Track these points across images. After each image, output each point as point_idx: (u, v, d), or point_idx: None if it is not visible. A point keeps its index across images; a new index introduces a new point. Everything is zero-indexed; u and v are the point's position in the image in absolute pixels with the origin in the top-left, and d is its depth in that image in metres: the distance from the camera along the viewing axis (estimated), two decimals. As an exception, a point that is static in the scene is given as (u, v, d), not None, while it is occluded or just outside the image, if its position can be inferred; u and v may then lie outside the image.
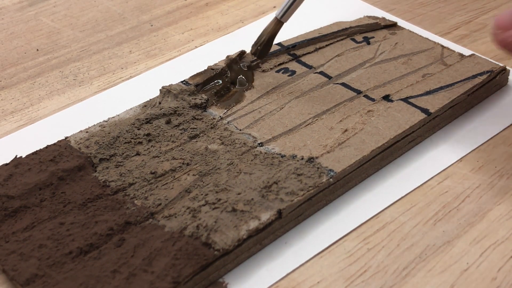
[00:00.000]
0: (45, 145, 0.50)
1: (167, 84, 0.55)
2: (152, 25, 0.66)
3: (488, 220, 0.46)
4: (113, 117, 0.53)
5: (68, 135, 0.51)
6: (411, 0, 0.69)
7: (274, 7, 0.69)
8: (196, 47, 0.63)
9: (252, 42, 0.60)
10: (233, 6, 0.69)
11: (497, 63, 0.57)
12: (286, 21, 0.55)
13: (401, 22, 0.65)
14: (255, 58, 0.57)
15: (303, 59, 0.59)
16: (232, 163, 0.48)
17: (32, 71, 0.60)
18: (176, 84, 0.55)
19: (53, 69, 0.61)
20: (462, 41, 0.63)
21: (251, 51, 0.56)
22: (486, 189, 0.48)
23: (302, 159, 0.48)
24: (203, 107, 0.54)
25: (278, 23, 0.55)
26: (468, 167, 0.50)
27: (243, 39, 0.64)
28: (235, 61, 0.57)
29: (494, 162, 0.50)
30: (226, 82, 0.56)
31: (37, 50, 0.63)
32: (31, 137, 0.53)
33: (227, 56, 0.58)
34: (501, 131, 0.53)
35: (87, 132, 0.51)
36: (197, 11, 0.68)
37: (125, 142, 0.50)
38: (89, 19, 0.67)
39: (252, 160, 0.48)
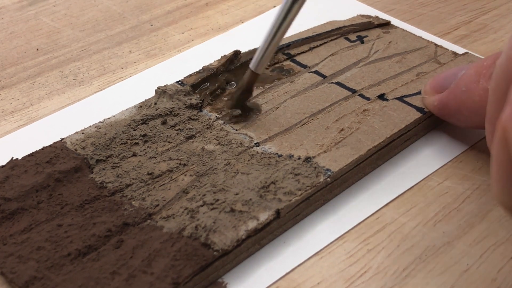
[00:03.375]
0: (43, 146, 0.48)
1: (163, 85, 0.53)
2: (152, 25, 0.64)
3: (488, 221, 0.44)
4: (108, 118, 0.50)
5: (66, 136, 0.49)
6: (411, 0, 0.66)
7: (274, 6, 0.66)
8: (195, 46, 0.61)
9: (250, 41, 0.57)
10: (233, 5, 0.67)
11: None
12: (260, 72, 0.50)
13: (394, 21, 0.62)
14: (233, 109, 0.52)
15: (297, 58, 0.57)
16: (229, 163, 0.46)
17: (32, 71, 0.58)
18: (172, 84, 0.53)
19: (53, 69, 0.58)
20: (462, 41, 0.60)
21: (228, 105, 0.52)
22: (486, 190, 0.46)
23: (299, 158, 0.46)
24: (199, 107, 0.51)
25: (253, 74, 0.50)
26: (468, 168, 0.48)
27: (241, 38, 0.62)
28: (230, 61, 0.55)
29: (494, 163, 0.50)
30: (221, 82, 0.54)
31: (37, 49, 0.61)
32: (30, 138, 0.51)
33: (222, 56, 0.56)
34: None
35: (83, 133, 0.49)
36: (197, 11, 0.66)
37: (121, 143, 0.48)
38: (89, 19, 0.65)
39: (249, 160, 0.47)
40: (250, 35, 0.62)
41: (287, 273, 0.42)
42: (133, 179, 0.46)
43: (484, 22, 0.63)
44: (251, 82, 0.51)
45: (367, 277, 0.41)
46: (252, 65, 0.50)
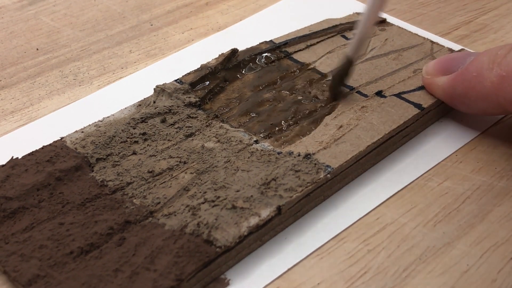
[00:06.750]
0: (43, 145, 0.48)
1: (161, 83, 0.53)
2: (152, 25, 0.64)
3: (488, 221, 0.44)
4: (108, 117, 0.50)
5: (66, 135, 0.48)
6: (411, 0, 0.66)
7: (274, 6, 0.66)
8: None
9: (248, 38, 0.58)
10: (233, 5, 0.66)
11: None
12: (356, 60, 0.51)
13: (394, 21, 0.62)
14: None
15: (295, 56, 0.57)
16: (229, 161, 0.46)
17: (32, 71, 0.58)
18: (170, 83, 0.52)
19: (53, 68, 0.58)
20: (462, 41, 0.60)
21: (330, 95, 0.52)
22: (486, 190, 0.46)
23: (299, 155, 0.46)
24: (198, 105, 0.51)
25: (349, 62, 0.51)
26: (468, 168, 0.48)
27: (239, 36, 0.61)
28: (228, 59, 0.55)
29: (494, 163, 0.48)
30: (219, 80, 0.54)
31: (37, 49, 0.60)
32: (29, 137, 0.50)
33: (220, 54, 0.56)
34: (498, 127, 0.51)
35: (82, 132, 0.48)
36: (197, 11, 0.65)
37: (121, 142, 0.48)
38: (89, 19, 0.64)
39: (249, 158, 0.46)
40: (247, 34, 0.62)
41: (287, 272, 0.41)
42: (133, 177, 0.45)
43: (484, 22, 0.63)
44: (346, 69, 0.52)
45: (367, 278, 0.41)
46: (349, 53, 0.51)
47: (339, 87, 0.52)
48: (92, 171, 0.46)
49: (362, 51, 0.51)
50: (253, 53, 0.57)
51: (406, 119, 0.49)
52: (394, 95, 0.52)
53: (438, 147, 0.50)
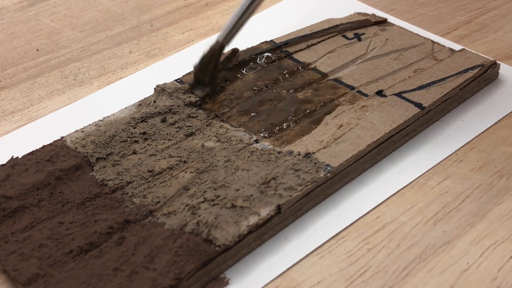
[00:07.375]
0: (43, 145, 0.48)
1: (162, 83, 0.53)
2: (152, 25, 0.64)
3: (488, 220, 0.44)
4: (108, 117, 0.50)
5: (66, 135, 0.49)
6: (411, 0, 0.66)
7: (273, 6, 0.67)
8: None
9: (249, 38, 0.58)
10: (233, 6, 0.66)
11: (486, 57, 0.55)
12: (228, 44, 0.51)
13: (394, 21, 0.62)
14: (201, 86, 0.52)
15: (295, 56, 0.57)
16: (229, 160, 0.46)
17: (32, 71, 0.58)
18: (171, 82, 0.53)
19: (53, 69, 0.58)
20: (462, 41, 0.60)
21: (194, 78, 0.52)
22: (486, 189, 0.46)
23: (299, 154, 0.46)
24: (198, 105, 0.52)
25: (221, 47, 0.51)
26: (468, 167, 0.48)
27: (239, 36, 0.60)
28: (228, 59, 0.55)
29: (494, 162, 0.48)
30: (220, 79, 0.54)
31: (37, 50, 0.60)
32: (29, 137, 0.50)
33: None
34: (498, 127, 0.52)
35: (82, 131, 0.49)
36: (197, 11, 0.66)
37: (121, 141, 0.48)
38: (89, 19, 0.65)
39: (249, 157, 0.46)
40: (248, 34, 0.62)
41: (287, 271, 0.41)
42: (133, 176, 0.45)
43: (484, 22, 0.63)
44: (216, 52, 0.52)
45: (367, 276, 0.41)
46: (219, 36, 0.52)
47: (206, 72, 0.52)
48: (92, 170, 0.46)
49: (233, 37, 0.52)
50: (254, 53, 0.57)
51: (407, 118, 0.49)
52: (395, 94, 0.52)
53: (438, 146, 0.50)
